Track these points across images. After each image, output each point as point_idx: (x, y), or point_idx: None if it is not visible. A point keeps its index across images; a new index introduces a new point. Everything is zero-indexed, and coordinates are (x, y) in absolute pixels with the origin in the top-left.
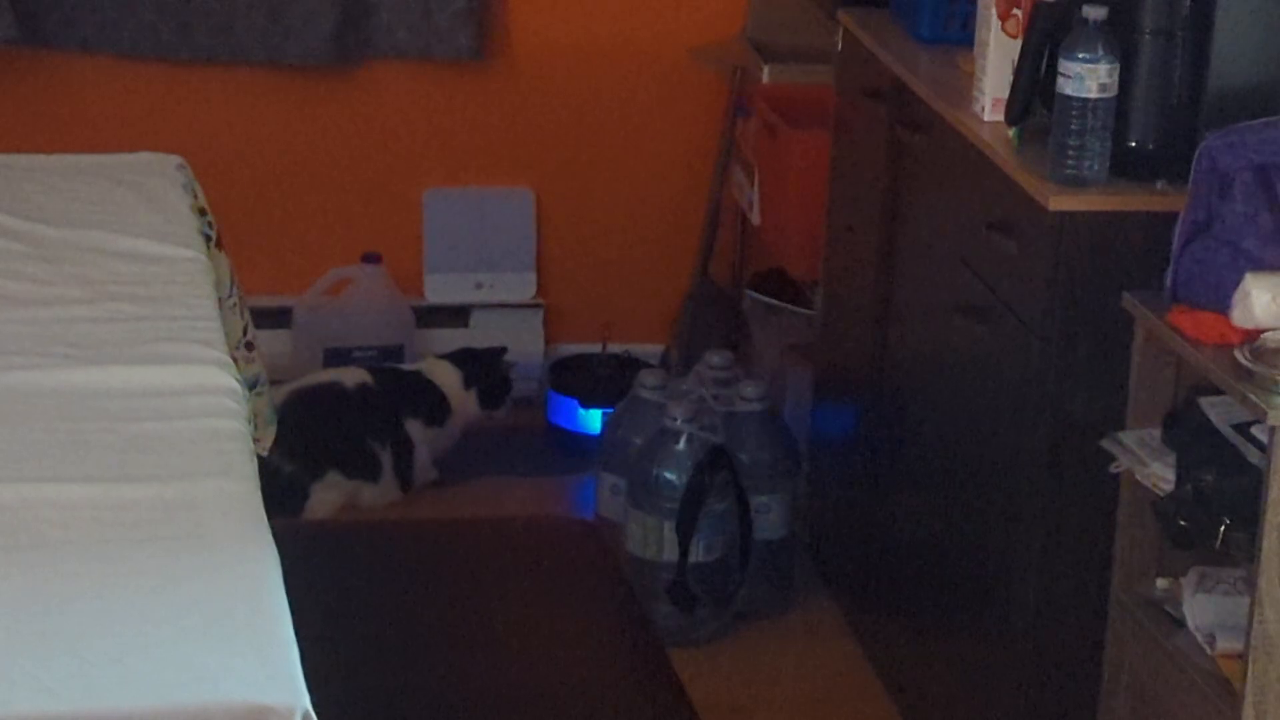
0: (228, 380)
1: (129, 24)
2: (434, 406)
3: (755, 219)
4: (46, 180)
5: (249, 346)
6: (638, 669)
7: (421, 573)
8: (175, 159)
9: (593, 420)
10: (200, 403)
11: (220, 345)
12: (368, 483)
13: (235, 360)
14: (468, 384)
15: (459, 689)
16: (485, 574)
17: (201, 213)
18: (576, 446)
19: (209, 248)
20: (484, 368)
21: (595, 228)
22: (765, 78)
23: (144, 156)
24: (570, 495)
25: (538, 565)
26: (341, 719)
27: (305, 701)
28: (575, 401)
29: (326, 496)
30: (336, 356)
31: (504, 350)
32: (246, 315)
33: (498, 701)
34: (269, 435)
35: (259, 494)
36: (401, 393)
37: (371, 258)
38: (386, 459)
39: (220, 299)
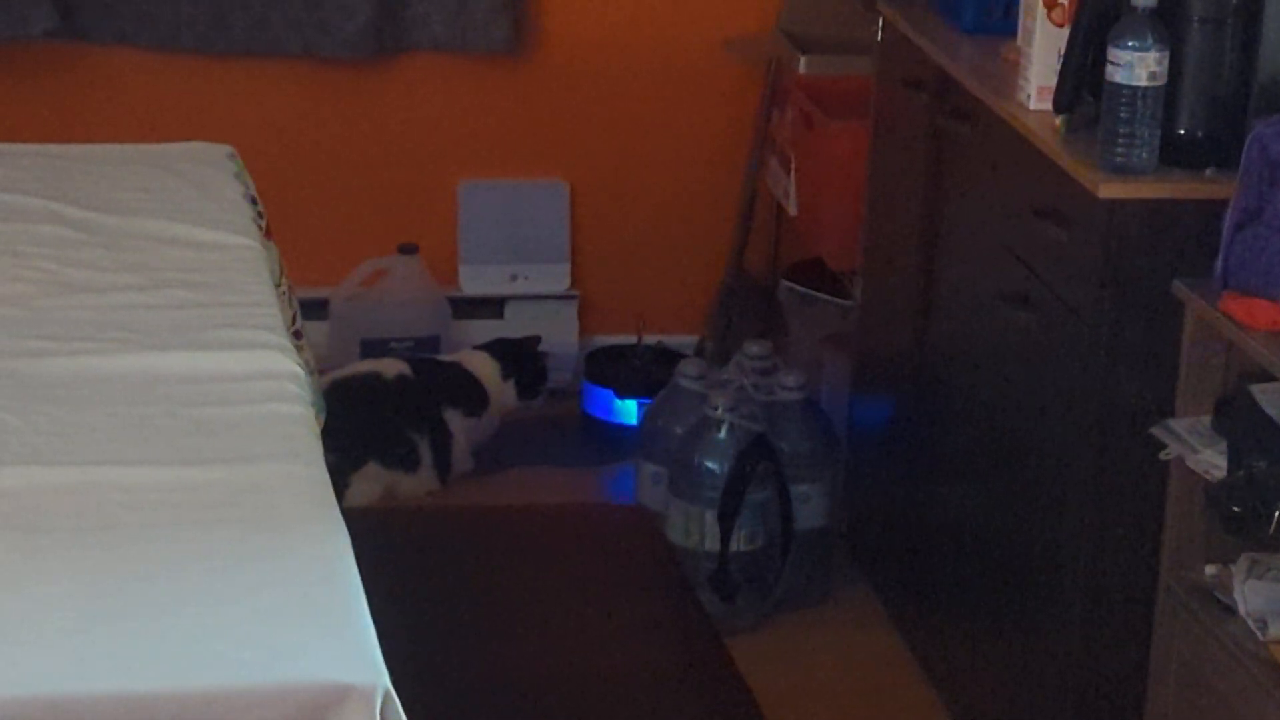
0: (290, 365)
1: (165, 17)
2: (472, 397)
3: (791, 210)
4: (100, 170)
5: (297, 335)
6: (693, 653)
7: (469, 558)
8: (226, 148)
9: (628, 411)
10: (263, 388)
11: (281, 330)
12: (406, 473)
13: None
14: (505, 375)
15: (509, 673)
16: (533, 559)
17: (253, 202)
18: (612, 437)
19: (260, 236)
20: (521, 358)
21: (629, 219)
22: (801, 69)
23: (195, 146)
24: (606, 485)
25: (586, 550)
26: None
27: (385, 680)
28: (611, 392)
29: (365, 486)
30: (373, 347)
31: (539, 339)
32: (295, 304)
33: (550, 685)
34: (319, 423)
35: (327, 477)
36: (440, 383)
37: (407, 249)
38: (425, 449)
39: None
